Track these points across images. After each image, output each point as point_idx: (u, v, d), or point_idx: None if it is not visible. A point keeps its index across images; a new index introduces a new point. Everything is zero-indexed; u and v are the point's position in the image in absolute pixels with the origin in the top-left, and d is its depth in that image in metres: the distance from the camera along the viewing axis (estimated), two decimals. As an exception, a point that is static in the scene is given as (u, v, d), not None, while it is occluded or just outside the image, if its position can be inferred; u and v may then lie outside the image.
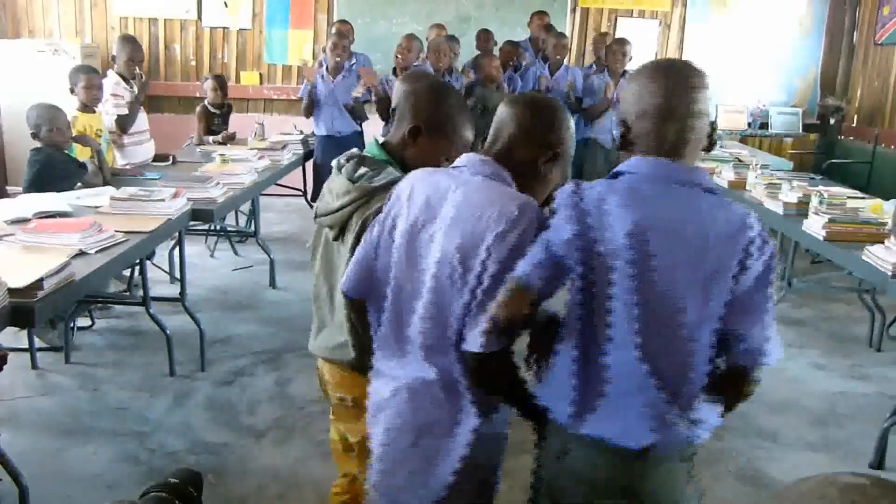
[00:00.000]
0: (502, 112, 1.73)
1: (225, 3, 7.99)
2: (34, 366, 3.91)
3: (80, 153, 4.20)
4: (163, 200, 3.57)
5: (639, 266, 1.45)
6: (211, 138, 5.82)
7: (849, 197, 4.03)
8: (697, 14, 8.13)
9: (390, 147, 2.00)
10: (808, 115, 8.11)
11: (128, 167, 4.78)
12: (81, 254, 2.86)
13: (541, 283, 1.49)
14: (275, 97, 8.17)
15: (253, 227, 5.76)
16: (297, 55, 8.05)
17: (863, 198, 4.29)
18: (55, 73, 5.62)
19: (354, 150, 2.03)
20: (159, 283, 4.98)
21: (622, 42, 6.05)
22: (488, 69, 5.82)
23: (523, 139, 1.69)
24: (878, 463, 3.28)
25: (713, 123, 1.59)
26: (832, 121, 7.91)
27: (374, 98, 5.73)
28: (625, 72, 5.99)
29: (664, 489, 1.53)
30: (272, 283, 5.32)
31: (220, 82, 6.00)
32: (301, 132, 6.25)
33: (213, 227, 5.69)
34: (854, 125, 7.98)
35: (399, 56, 5.77)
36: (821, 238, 3.70)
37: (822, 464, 3.23)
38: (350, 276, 1.80)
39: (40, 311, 2.42)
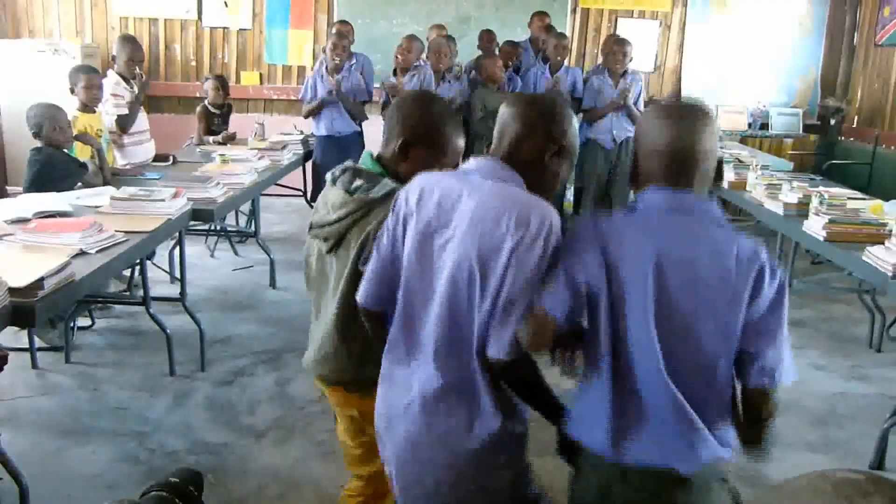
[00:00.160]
0: (504, 113, 1.73)
1: (225, 3, 7.99)
2: (34, 365, 3.91)
3: (81, 153, 4.20)
4: (163, 200, 3.57)
5: (658, 295, 1.52)
6: (211, 138, 5.82)
7: (849, 198, 4.03)
8: (697, 14, 8.13)
9: (384, 161, 1.99)
10: (808, 115, 8.11)
11: (128, 167, 4.78)
12: (82, 253, 2.86)
13: (565, 316, 1.56)
14: (275, 97, 8.17)
15: (253, 227, 5.76)
16: (297, 55, 8.05)
17: (863, 199, 4.30)
18: (55, 73, 5.62)
19: (349, 162, 2.03)
20: (159, 283, 4.98)
21: (622, 42, 6.04)
22: (491, 70, 5.80)
23: (528, 136, 1.69)
24: (878, 463, 3.28)
25: (720, 159, 1.68)
26: (832, 122, 7.91)
27: (378, 99, 5.73)
28: (625, 72, 5.98)
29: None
30: (272, 283, 5.32)
31: (222, 82, 6.00)
32: (301, 132, 6.25)
33: (213, 227, 5.69)
34: (854, 126, 7.98)
35: (399, 56, 5.78)
36: (821, 239, 3.70)
37: (822, 464, 3.23)
38: (367, 288, 1.79)
39: (40, 311, 2.42)
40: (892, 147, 7.17)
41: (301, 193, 6.72)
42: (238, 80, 8.06)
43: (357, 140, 5.85)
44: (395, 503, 1.83)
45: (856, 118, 8.00)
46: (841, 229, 3.65)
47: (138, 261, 3.72)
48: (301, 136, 6.12)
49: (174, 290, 4.68)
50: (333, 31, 6.09)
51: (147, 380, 3.82)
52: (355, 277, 1.87)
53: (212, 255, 5.97)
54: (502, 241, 1.57)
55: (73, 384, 3.77)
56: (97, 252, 2.92)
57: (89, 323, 4.44)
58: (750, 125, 7.90)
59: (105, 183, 4.11)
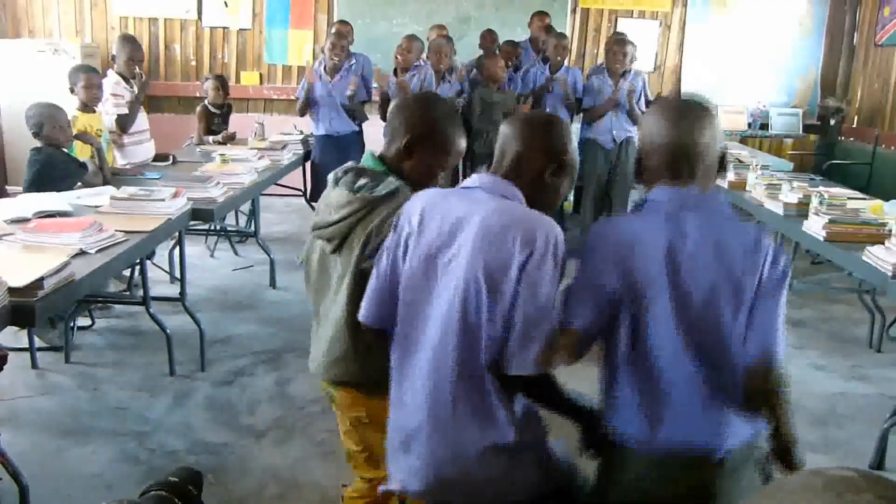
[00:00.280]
0: (505, 132, 1.77)
1: (225, 2, 7.99)
2: (34, 365, 3.91)
3: (81, 153, 4.20)
4: (163, 200, 3.57)
5: (674, 288, 1.60)
6: (211, 138, 5.82)
7: (849, 198, 4.04)
8: (697, 14, 8.13)
9: (387, 160, 2.00)
10: (808, 115, 8.11)
11: (128, 167, 4.78)
12: (81, 253, 2.86)
13: (594, 328, 1.64)
14: (275, 97, 8.17)
15: (253, 227, 5.76)
16: (297, 55, 8.05)
17: (863, 198, 4.30)
18: (55, 72, 5.62)
19: (351, 162, 2.04)
20: (159, 283, 4.98)
21: (622, 42, 6.03)
22: (493, 70, 5.80)
23: (529, 154, 1.72)
24: (878, 463, 3.28)
25: (724, 152, 1.74)
26: (832, 122, 7.91)
27: (378, 98, 5.72)
28: (625, 72, 5.98)
29: (745, 487, 1.65)
30: (272, 283, 5.32)
31: (222, 82, 6.00)
32: (301, 132, 6.25)
33: (213, 227, 5.69)
34: (854, 126, 7.98)
35: (399, 57, 5.77)
36: (821, 239, 3.70)
37: (822, 464, 3.19)
38: (368, 307, 1.80)
39: (40, 311, 2.42)
40: (892, 147, 7.17)
41: (301, 193, 6.72)
42: (238, 80, 8.06)
43: (356, 140, 5.85)
44: None
45: (856, 118, 8.00)
46: (841, 229, 3.65)
47: (138, 261, 3.71)
48: (301, 136, 6.12)
49: (174, 290, 4.67)
50: (333, 31, 6.09)
51: (147, 380, 3.82)
52: (359, 276, 1.88)
53: (212, 255, 5.97)
54: (510, 259, 1.58)
55: (73, 384, 3.76)
56: (97, 252, 2.92)
57: (89, 323, 4.44)
58: (750, 125, 7.90)
59: (105, 183, 4.11)
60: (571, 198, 6.58)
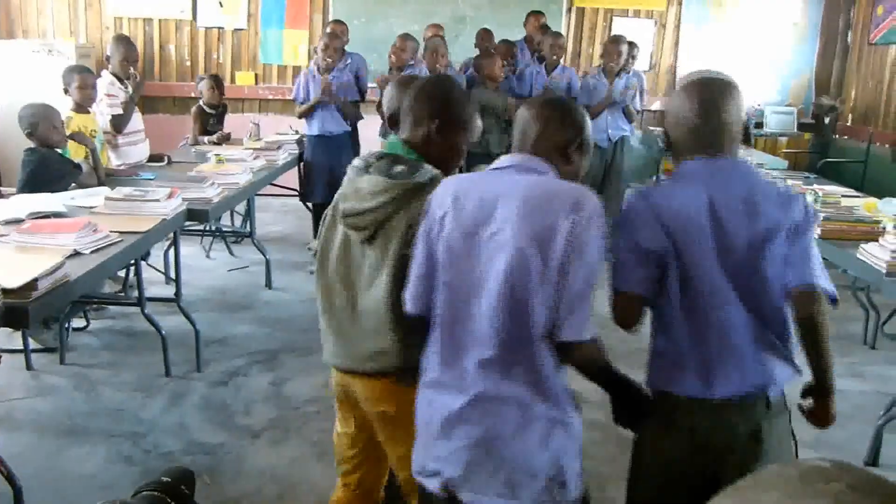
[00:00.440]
0: (524, 115, 1.81)
1: (220, 2, 7.98)
2: (29, 367, 3.90)
3: (75, 154, 4.19)
4: (158, 201, 3.56)
5: (717, 237, 1.73)
6: (206, 138, 5.81)
7: (843, 196, 4.05)
8: (693, 14, 8.14)
9: (415, 145, 1.98)
10: (802, 114, 8.12)
11: (123, 167, 4.77)
12: (76, 254, 2.85)
13: (649, 290, 1.77)
14: (270, 97, 8.16)
15: (248, 228, 5.75)
16: (292, 55, 8.05)
17: (857, 196, 4.31)
18: (49, 73, 5.60)
19: (379, 150, 2.01)
20: (155, 284, 4.97)
21: (616, 40, 6.04)
22: (490, 69, 5.79)
23: (552, 132, 1.77)
24: (873, 460, 3.29)
25: (746, 123, 1.90)
26: (827, 120, 7.92)
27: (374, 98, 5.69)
28: (620, 71, 5.98)
29: (783, 431, 1.82)
30: (268, 284, 5.32)
31: (217, 81, 5.99)
32: (297, 132, 6.24)
33: (208, 228, 5.68)
34: (849, 124, 7.99)
35: (393, 56, 5.76)
36: (815, 236, 3.70)
37: (818, 462, 3.23)
38: (415, 294, 1.78)
39: (35, 312, 2.42)
40: (886, 145, 7.19)
41: (297, 194, 6.71)
42: (233, 80, 8.05)
43: (348, 140, 5.83)
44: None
45: (850, 117, 8.01)
46: (835, 227, 3.66)
47: (133, 261, 3.71)
48: (296, 136, 6.11)
49: (169, 291, 4.67)
50: (327, 31, 6.08)
51: (142, 380, 3.82)
52: (401, 264, 1.85)
53: (207, 256, 5.97)
54: (558, 226, 1.61)
55: (68, 385, 3.76)
56: (92, 252, 2.92)
57: (84, 324, 4.44)
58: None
59: (99, 183, 4.10)
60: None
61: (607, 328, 1.82)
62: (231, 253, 6.03)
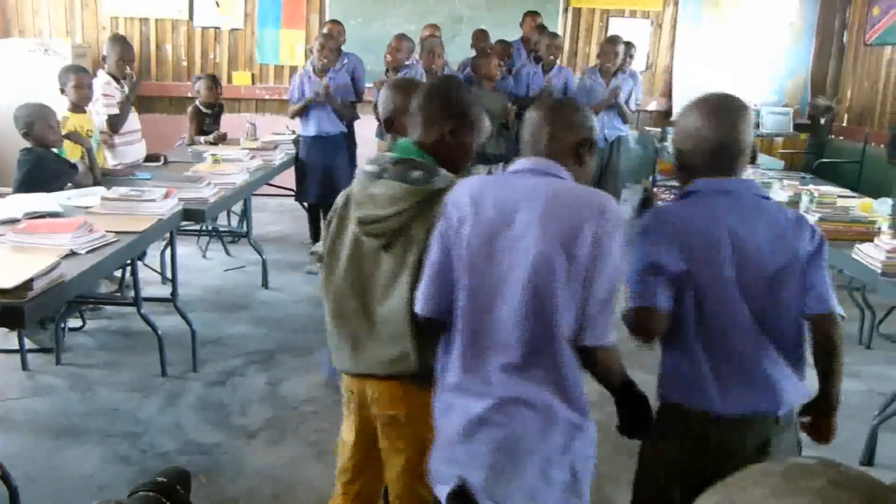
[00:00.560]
0: (534, 117, 1.82)
1: (216, 2, 7.97)
2: (25, 367, 3.89)
3: (71, 154, 4.18)
4: (154, 200, 3.56)
5: (738, 262, 1.78)
6: (202, 138, 5.80)
7: (839, 196, 4.05)
8: (689, 14, 8.16)
9: (426, 147, 1.95)
10: (798, 114, 8.14)
11: (119, 167, 4.77)
12: (72, 254, 2.84)
13: (668, 305, 1.79)
14: (266, 97, 8.16)
15: (245, 228, 5.75)
16: (289, 55, 8.05)
17: (853, 197, 4.32)
18: (45, 73, 5.60)
19: (390, 154, 1.96)
20: (151, 284, 4.96)
21: (613, 41, 6.04)
22: (487, 69, 5.80)
23: (564, 134, 1.78)
24: (868, 460, 3.30)
25: (754, 144, 1.99)
26: (823, 120, 7.94)
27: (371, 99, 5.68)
28: (617, 71, 5.98)
29: (790, 443, 1.87)
30: (264, 284, 5.31)
31: (215, 81, 6.00)
32: (293, 132, 6.23)
33: (204, 228, 5.67)
34: (844, 125, 8.01)
35: (389, 56, 5.76)
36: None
37: (813, 461, 3.23)
38: (427, 297, 1.77)
39: (30, 312, 2.41)
40: (882, 145, 7.20)
41: (293, 193, 6.71)
42: (230, 80, 8.04)
43: (343, 141, 5.82)
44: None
45: (846, 117, 8.03)
46: (831, 227, 3.66)
47: (129, 261, 3.70)
48: (293, 136, 6.10)
49: (165, 291, 4.66)
50: (324, 31, 6.08)
51: (139, 380, 3.81)
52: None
53: (203, 256, 5.96)
54: (582, 230, 1.62)
55: (65, 385, 3.75)
56: (87, 252, 2.91)
57: (80, 324, 4.43)
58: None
59: (95, 183, 4.10)
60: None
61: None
62: (227, 253, 6.03)
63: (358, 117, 6.06)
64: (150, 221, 3.42)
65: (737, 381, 1.80)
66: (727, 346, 1.80)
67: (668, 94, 8.35)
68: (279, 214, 7.38)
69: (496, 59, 5.90)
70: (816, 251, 1.83)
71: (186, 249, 5.83)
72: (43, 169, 3.81)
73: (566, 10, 8.14)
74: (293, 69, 7.91)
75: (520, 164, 1.79)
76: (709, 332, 1.81)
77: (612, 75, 5.99)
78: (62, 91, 4.42)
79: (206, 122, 5.96)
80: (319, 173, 5.62)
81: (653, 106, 8.31)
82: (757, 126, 7.89)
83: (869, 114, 7.59)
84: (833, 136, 8.02)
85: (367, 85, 6.13)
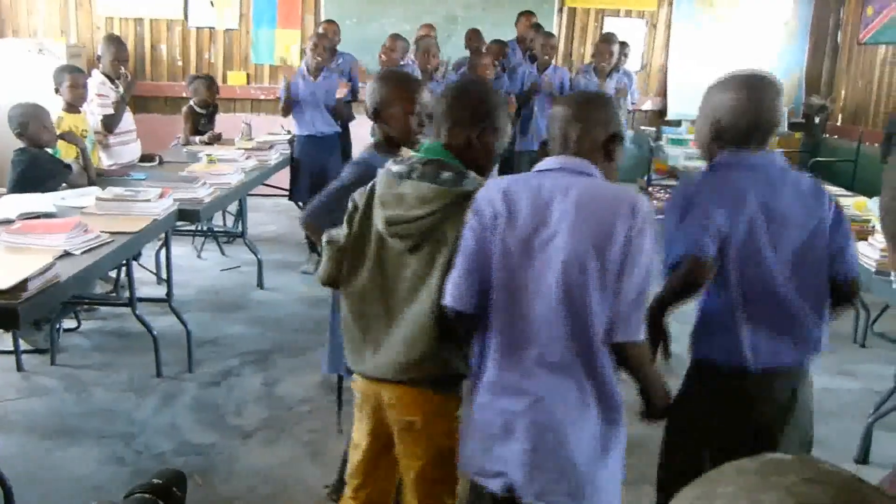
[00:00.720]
0: (562, 114, 1.82)
1: (211, 2, 7.96)
2: (19, 368, 3.88)
3: (66, 154, 4.17)
4: (149, 201, 3.55)
5: (769, 228, 1.92)
6: (197, 138, 5.79)
7: (833, 195, 4.05)
8: (684, 13, 8.17)
9: (453, 150, 1.93)
10: (793, 113, 8.16)
11: (114, 167, 4.76)
12: (67, 255, 2.84)
13: (714, 254, 1.90)
14: (262, 97, 8.15)
15: (240, 228, 5.74)
16: (284, 55, 8.04)
17: (847, 196, 4.33)
18: (40, 73, 5.58)
19: (416, 154, 1.93)
20: (146, 284, 4.96)
21: (608, 40, 6.05)
22: (479, 68, 5.82)
23: (593, 131, 1.79)
24: (863, 458, 3.31)
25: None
26: (817, 119, 7.97)
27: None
28: (612, 71, 5.98)
29: (808, 397, 2.08)
30: (260, 284, 5.30)
31: (213, 81, 5.99)
32: (288, 132, 6.22)
33: (200, 228, 5.67)
34: (839, 124, 8.04)
35: (384, 56, 5.76)
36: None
37: (808, 460, 3.24)
38: (457, 290, 1.75)
39: (25, 313, 2.40)
40: (876, 144, 7.22)
41: (287, 193, 6.71)
42: (225, 80, 8.03)
43: (337, 141, 5.82)
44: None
45: (840, 116, 8.05)
46: (825, 226, 3.67)
47: (124, 262, 3.70)
48: (288, 136, 6.09)
49: (161, 291, 4.65)
50: (320, 30, 6.08)
51: (134, 381, 3.81)
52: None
53: (199, 256, 5.95)
54: (615, 229, 1.65)
55: (60, 386, 3.74)
56: (82, 253, 2.90)
57: (75, 325, 4.42)
58: (736, 123, 7.92)
59: (90, 183, 4.08)
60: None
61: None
62: (223, 253, 6.02)
63: (354, 117, 6.06)
64: (145, 222, 3.41)
65: (768, 337, 1.94)
66: (760, 305, 1.93)
67: (662, 93, 8.36)
68: (274, 214, 7.37)
69: (487, 59, 5.91)
70: (837, 217, 1.99)
71: (182, 250, 5.82)
72: (37, 169, 3.81)
73: (561, 9, 8.15)
74: (279, 69, 7.91)
75: (550, 162, 1.79)
76: (744, 293, 1.93)
77: (606, 75, 5.99)
78: (57, 91, 4.41)
79: (202, 122, 5.95)
80: (313, 174, 5.62)
81: (648, 105, 8.32)
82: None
83: (863, 113, 7.62)
84: (827, 136, 8.04)
85: (361, 84, 6.12)
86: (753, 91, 1.97)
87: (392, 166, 1.92)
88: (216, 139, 5.83)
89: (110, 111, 4.81)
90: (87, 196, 3.71)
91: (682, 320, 2.12)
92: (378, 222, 1.92)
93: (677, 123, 8.01)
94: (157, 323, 3.93)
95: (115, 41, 5.05)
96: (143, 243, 3.76)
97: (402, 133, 2.45)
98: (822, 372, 4.22)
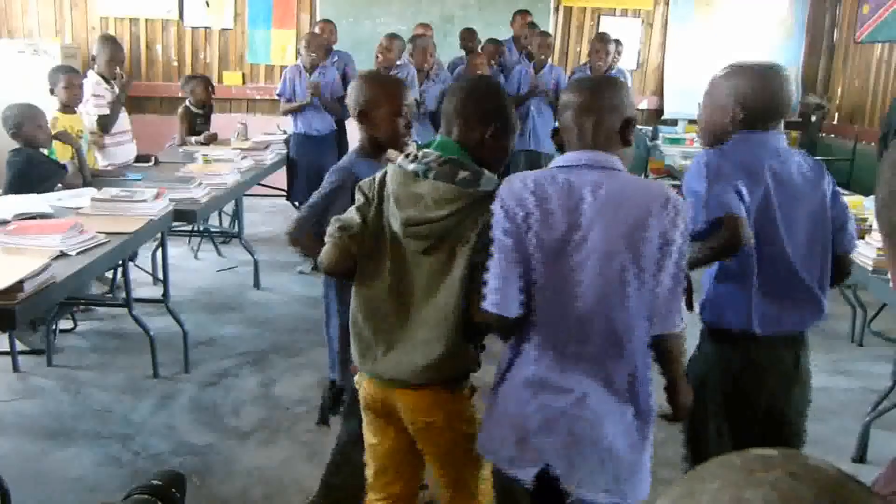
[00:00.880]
0: (575, 102, 1.80)
1: (207, 2, 7.94)
2: (16, 369, 3.87)
3: (61, 154, 4.16)
4: (145, 201, 3.54)
5: (780, 203, 2.03)
6: (193, 139, 5.78)
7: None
8: (680, 13, 8.17)
9: (469, 149, 1.91)
10: (790, 112, 8.16)
11: (109, 168, 4.75)
12: (62, 255, 2.83)
13: (745, 214, 1.98)
14: (257, 97, 8.14)
15: (237, 228, 5.73)
16: (279, 55, 8.03)
17: (844, 194, 4.32)
18: (35, 73, 5.57)
19: (432, 151, 1.88)
20: (142, 285, 4.95)
21: (604, 40, 6.05)
22: (473, 68, 5.82)
23: (609, 119, 1.78)
24: (860, 457, 3.31)
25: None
26: (814, 118, 7.96)
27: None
28: (607, 70, 5.99)
29: (807, 360, 2.22)
30: (256, 284, 5.30)
31: (207, 81, 5.98)
32: (284, 132, 6.22)
33: (196, 228, 5.65)
34: (835, 123, 8.04)
35: (380, 55, 5.75)
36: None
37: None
38: (499, 293, 1.72)
39: (21, 314, 2.40)
40: (873, 143, 7.23)
41: (284, 193, 6.69)
42: (220, 80, 8.01)
43: (334, 139, 5.81)
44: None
45: (836, 115, 8.06)
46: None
47: (120, 262, 3.69)
48: (284, 136, 6.09)
49: (157, 292, 4.65)
50: (316, 30, 6.07)
51: (130, 382, 3.80)
52: (471, 270, 1.80)
53: (195, 256, 5.94)
54: (648, 224, 1.66)
55: (56, 387, 3.73)
56: (78, 254, 2.90)
57: (71, 325, 4.41)
58: (732, 122, 7.92)
59: (85, 184, 4.07)
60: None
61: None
62: (219, 253, 6.01)
63: (349, 115, 6.03)
64: (141, 222, 3.40)
65: (776, 304, 2.06)
66: (772, 273, 2.04)
67: (659, 92, 8.36)
68: (271, 215, 7.36)
69: (483, 58, 5.92)
70: (835, 193, 2.13)
71: (178, 250, 5.81)
72: (32, 169, 3.80)
73: (557, 8, 8.14)
74: (284, 69, 7.90)
75: (573, 157, 1.77)
76: (758, 261, 2.03)
77: (603, 73, 5.98)
78: (52, 91, 4.40)
79: (197, 122, 5.94)
80: (309, 172, 5.61)
81: (644, 105, 8.32)
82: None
83: (859, 112, 7.62)
84: (824, 134, 8.05)
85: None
86: (773, 76, 2.10)
87: (408, 165, 1.88)
88: (212, 139, 5.82)
89: (106, 111, 4.80)
90: (82, 197, 3.69)
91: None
92: (394, 221, 1.88)
93: (674, 123, 8.03)
94: (153, 323, 3.92)
95: (110, 42, 5.04)
96: (140, 244, 3.75)
97: (390, 135, 2.38)
98: (819, 371, 4.22)
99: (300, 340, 4.33)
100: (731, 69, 2.18)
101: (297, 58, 6.82)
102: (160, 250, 4.36)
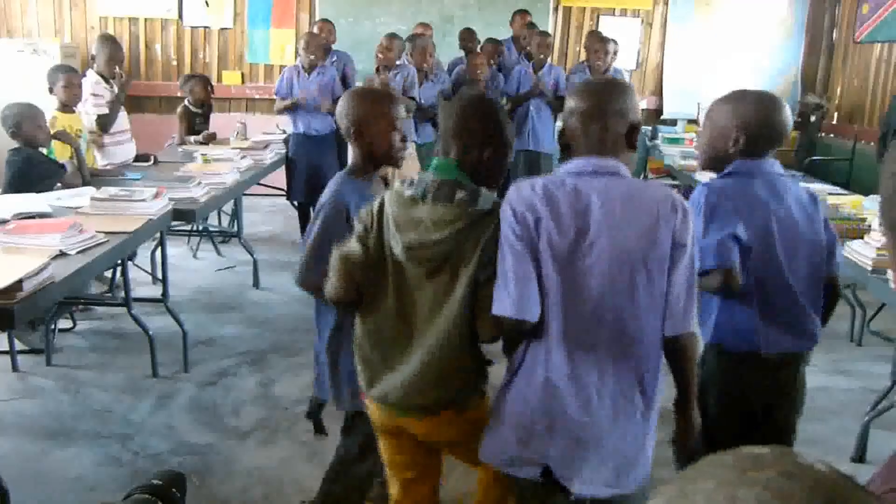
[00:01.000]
0: (581, 107, 1.80)
1: (206, 2, 7.94)
2: (15, 368, 3.87)
3: (60, 154, 4.16)
4: (144, 201, 3.54)
5: (780, 235, 2.10)
6: (192, 138, 5.78)
7: (829, 193, 4.07)
8: (679, 13, 8.17)
9: (466, 167, 1.90)
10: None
11: (109, 167, 4.75)
12: (62, 255, 2.83)
13: (739, 264, 2.03)
14: (257, 97, 8.13)
15: (236, 228, 5.73)
16: (279, 54, 8.03)
17: (843, 194, 4.34)
18: (34, 73, 5.57)
19: (429, 174, 1.88)
20: (141, 285, 4.94)
21: (604, 40, 6.05)
22: (471, 69, 5.82)
23: (615, 125, 1.78)
24: (860, 457, 3.31)
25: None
26: (813, 118, 7.96)
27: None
28: (605, 70, 5.98)
29: (803, 380, 2.30)
30: (256, 284, 5.30)
31: (207, 80, 5.98)
32: (283, 131, 6.22)
33: (195, 228, 5.65)
34: (835, 123, 8.04)
35: (380, 55, 5.75)
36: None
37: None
38: (521, 300, 1.71)
39: (20, 313, 2.40)
40: (872, 143, 7.23)
41: (283, 193, 6.69)
42: (219, 79, 8.01)
43: (333, 140, 5.81)
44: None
45: (836, 115, 8.06)
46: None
47: (120, 262, 3.69)
48: (283, 136, 6.09)
49: (156, 291, 4.64)
50: (315, 29, 6.06)
51: (130, 382, 3.80)
52: (475, 288, 1.80)
53: (194, 256, 5.94)
54: (658, 229, 1.68)
55: (55, 387, 3.73)
56: (77, 253, 2.90)
57: (70, 325, 4.40)
58: (731, 122, 7.92)
59: (84, 183, 4.07)
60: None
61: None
62: (218, 253, 6.01)
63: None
64: (140, 222, 3.40)
65: (779, 328, 2.14)
66: (774, 301, 2.12)
67: (658, 92, 8.36)
68: (270, 214, 7.36)
69: (478, 59, 5.92)
70: (825, 221, 2.22)
71: (177, 250, 5.81)
72: (32, 169, 3.80)
73: (556, 8, 8.14)
74: (283, 69, 7.90)
75: (580, 164, 1.78)
76: (759, 290, 2.11)
77: (601, 74, 5.98)
78: (51, 91, 4.40)
79: (196, 121, 5.94)
80: (307, 173, 5.61)
81: (643, 105, 8.31)
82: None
83: (859, 111, 7.62)
84: (823, 134, 8.05)
85: (357, 83, 6.12)
86: (773, 103, 2.15)
87: (405, 189, 1.88)
88: (211, 139, 5.82)
89: (105, 111, 4.79)
90: (81, 196, 3.69)
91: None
92: (395, 245, 1.88)
93: (673, 122, 8.03)
94: (152, 323, 3.92)
95: (109, 41, 5.03)
96: (139, 243, 3.75)
97: (386, 150, 2.30)
98: (819, 371, 4.23)
99: (300, 340, 4.32)
100: (731, 95, 2.20)
101: (296, 58, 6.82)
102: (159, 250, 4.36)
